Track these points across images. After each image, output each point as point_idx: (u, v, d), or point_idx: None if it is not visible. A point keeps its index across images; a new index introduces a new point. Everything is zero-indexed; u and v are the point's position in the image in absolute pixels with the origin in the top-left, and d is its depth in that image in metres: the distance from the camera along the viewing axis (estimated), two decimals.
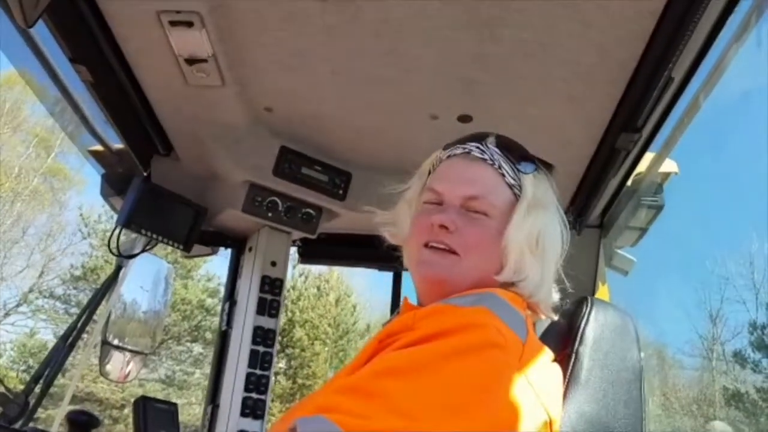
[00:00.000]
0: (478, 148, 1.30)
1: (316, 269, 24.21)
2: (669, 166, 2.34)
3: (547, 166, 1.36)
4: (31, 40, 1.87)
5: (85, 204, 24.40)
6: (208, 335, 22.86)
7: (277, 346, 2.43)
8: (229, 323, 2.42)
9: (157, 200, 2.24)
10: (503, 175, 1.28)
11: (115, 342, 2.34)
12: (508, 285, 1.23)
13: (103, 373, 2.43)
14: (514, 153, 1.31)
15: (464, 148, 1.31)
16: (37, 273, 24.24)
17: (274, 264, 2.46)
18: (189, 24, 1.68)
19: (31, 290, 24.01)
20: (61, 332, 2.18)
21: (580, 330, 1.23)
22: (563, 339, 1.25)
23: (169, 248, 2.37)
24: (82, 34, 1.74)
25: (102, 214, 23.19)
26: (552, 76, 1.79)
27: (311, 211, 2.41)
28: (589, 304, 1.26)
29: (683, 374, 25.12)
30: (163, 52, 1.79)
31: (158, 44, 1.76)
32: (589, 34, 1.61)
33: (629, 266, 2.64)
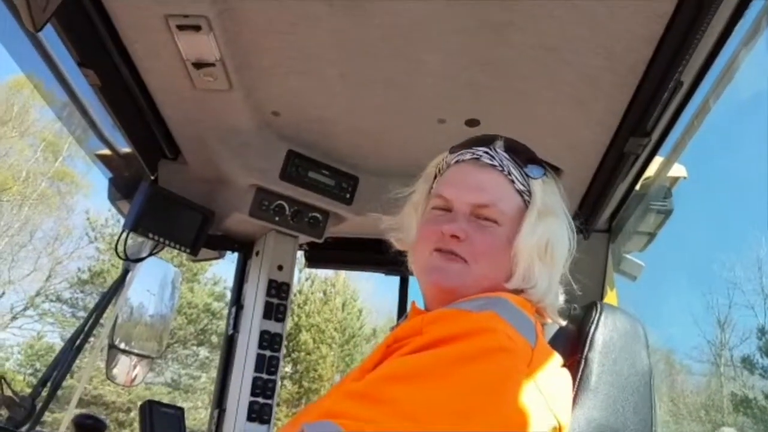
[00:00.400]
0: (487, 153, 1.28)
1: (322, 273, 24.25)
2: (678, 170, 2.32)
3: (555, 170, 1.35)
4: (39, 45, 1.87)
5: (92, 208, 24.53)
6: (214, 339, 22.88)
7: (283, 351, 2.42)
8: (235, 327, 2.42)
9: (164, 204, 2.24)
10: (513, 182, 1.26)
11: (122, 346, 2.35)
12: (517, 291, 1.22)
13: (109, 377, 2.44)
14: (523, 157, 1.29)
15: (473, 154, 1.29)
16: (44, 276, 24.36)
17: (280, 268, 2.45)
18: (197, 28, 1.68)
19: (38, 294, 24.12)
20: (68, 335, 2.18)
21: (590, 335, 1.21)
22: (573, 344, 1.24)
23: (175, 251, 2.37)
24: (90, 38, 1.75)
25: (109, 218, 23.30)
26: (560, 79, 1.78)
27: (318, 215, 2.41)
28: (599, 310, 1.25)
29: (691, 380, 25.01)
30: (171, 56, 1.79)
31: (166, 48, 1.76)
32: (598, 38, 1.60)
33: (638, 271, 2.62)
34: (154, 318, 2.52)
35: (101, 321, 2.29)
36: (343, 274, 24.59)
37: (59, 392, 2.09)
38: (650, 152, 2.01)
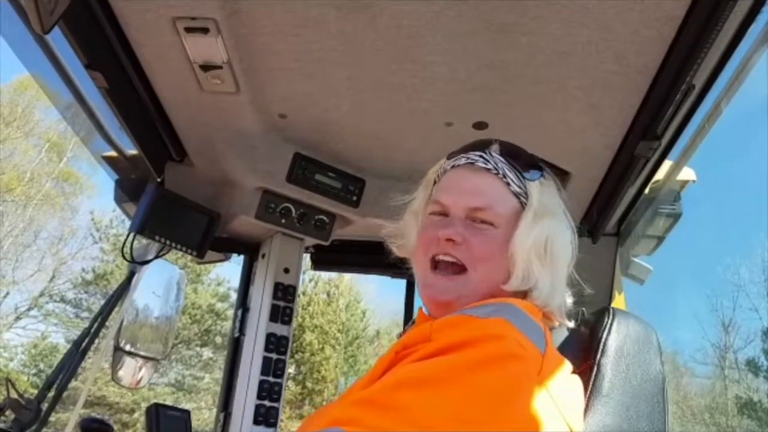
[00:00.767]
0: (481, 157, 1.28)
1: (326, 275, 24.23)
2: (687, 174, 2.31)
3: (563, 174, 1.34)
4: (46, 47, 1.87)
5: (97, 209, 24.56)
6: (218, 340, 22.91)
7: (289, 353, 2.42)
8: (241, 330, 2.42)
9: (171, 206, 2.24)
10: (508, 184, 1.26)
11: (128, 348, 2.34)
12: (520, 294, 1.22)
13: (115, 379, 2.43)
14: (519, 160, 1.29)
15: (468, 159, 1.30)
16: (49, 277, 24.40)
17: (287, 271, 2.45)
18: (204, 30, 1.68)
19: (42, 294, 24.15)
20: (72, 336, 2.19)
21: (602, 341, 1.20)
22: (584, 350, 1.22)
23: (180, 252, 2.37)
24: (97, 41, 1.74)
25: (113, 218, 23.33)
26: (569, 83, 1.77)
27: (324, 218, 2.41)
28: (611, 315, 1.24)
29: (695, 382, 24.96)
30: (179, 58, 1.79)
31: (173, 50, 1.76)
32: (608, 41, 1.59)
33: (645, 274, 2.61)
34: (160, 320, 2.52)
35: (106, 323, 2.28)
36: (346, 275, 24.61)
37: (64, 393, 2.09)
38: (660, 156, 2.00)
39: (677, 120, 1.81)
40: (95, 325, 2.18)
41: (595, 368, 1.18)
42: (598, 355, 1.19)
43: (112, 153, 2.47)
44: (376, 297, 27.27)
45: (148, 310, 2.48)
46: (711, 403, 23.88)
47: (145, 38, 1.75)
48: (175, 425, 1.97)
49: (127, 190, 2.54)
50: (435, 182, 1.37)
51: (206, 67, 1.82)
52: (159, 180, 2.33)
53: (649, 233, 2.46)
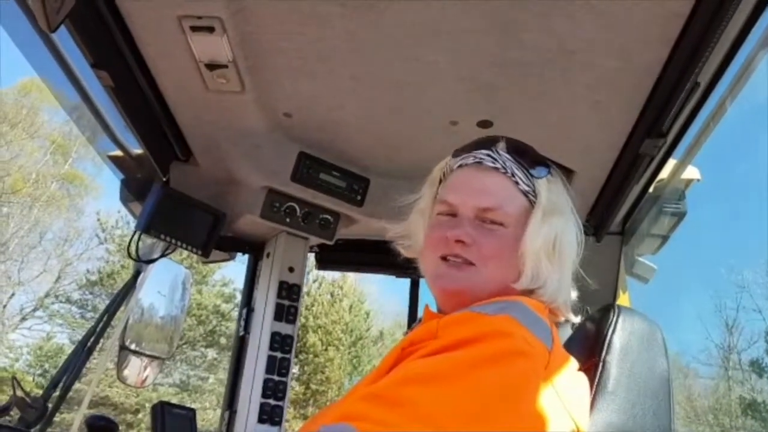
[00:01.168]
0: (489, 156, 1.27)
1: (329, 276, 24.26)
2: (691, 172, 2.31)
3: (568, 172, 1.34)
4: (52, 46, 1.88)
5: (102, 210, 24.62)
6: (223, 340, 22.93)
7: (294, 352, 2.42)
8: (246, 329, 2.42)
9: (176, 206, 2.24)
10: (517, 183, 1.25)
11: (133, 347, 2.35)
12: (527, 292, 1.21)
13: (120, 378, 2.44)
14: (526, 157, 1.29)
15: (475, 157, 1.29)
16: (54, 278, 24.47)
17: (291, 270, 2.45)
18: (210, 29, 1.68)
19: (47, 295, 24.23)
20: (77, 337, 2.20)
21: (607, 338, 1.20)
22: (589, 347, 1.22)
23: (185, 253, 2.37)
24: (103, 40, 1.75)
25: (119, 219, 23.38)
26: (574, 80, 1.77)
27: (329, 217, 2.41)
28: (616, 312, 1.24)
29: (699, 383, 24.89)
30: (184, 57, 1.79)
31: (179, 49, 1.76)
32: (613, 39, 1.59)
33: (650, 274, 2.61)
34: (165, 319, 2.53)
35: (112, 323, 2.29)
36: (350, 276, 24.62)
37: (69, 393, 2.10)
38: (664, 154, 2.00)
39: (682, 118, 1.80)
40: (101, 324, 2.19)
41: (601, 365, 1.18)
42: (604, 352, 1.19)
43: (118, 152, 2.48)
44: (378, 298, 27.31)
45: (153, 309, 2.48)
46: (715, 404, 23.82)
47: (150, 37, 1.76)
48: (181, 424, 1.97)
49: (132, 190, 2.55)
50: (441, 180, 1.36)
51: (211, 66, 1.82)
52: (164, 179, 2.33)
53: (654, 232, 2.45)
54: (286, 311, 2.39)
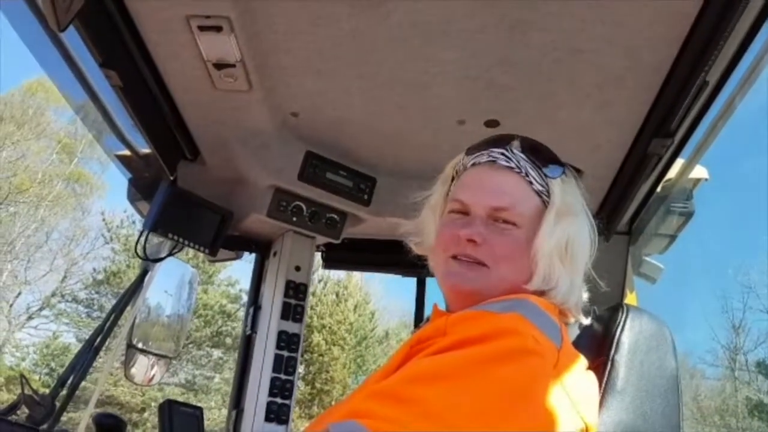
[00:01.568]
0: (503, 155, 1.27)
1: (335, 276, 24.28)
2: (699, 172, 2.30)
3: (576, 172, 1.34)
4: (61, 45, 1.88)
5: (107, 209, 24.69)
6: (228, 341, 22.97)
7: (301, 351, 2.42)
8: (253, 328, 2.42)
9: (184, 205, 2.25)
10: (530, 183, 1.25)
11: (140, 345, 2.35)
12: (539, 293, 1.21)
13: (128, 377, 2.45)
14: (541, 157, 1.28)
15: (489, 155, 1.28)
16: (60, 277, 24.57)
17: (298, 269, 2.45)
18: (218, 29, 1.68)
19: (53, 294, 24.31)
20: (84, 336, 2.20)
21: (616, 337, 1.20)
22: (598, 346, 1.22)
23: (191, 253, 2.38)
24: (112, 39, 1.75)
25: (124, 219, 23.44)
26: (582, 79, 1.77)
27: (336, 216, 2.41)
28: (625, 311, 1.24)
29: (705, 384, 24.83)
30: (192, 56, 1.80)
31: (187, 49, 1.77)
32: (621, 37, 1.59)
33: (657, 273, 2.60)
34: (172, 318, 2.53)
35: (119, 322, 2.30)
36: (355, 276, 24.63)
37: (76, 392, 2.10)
38: (672, 153, 1.99)
39: (690, 117, 1.80)
40: (108, 323, 2.19)
41: (609, 364, 1.18)
42: (612, 351, 1.19)
43: (126, 152, 2.48)
44: (384, 298, 27.32)
45: (160, 308, 2.49)
46: (721, 404, 23.76)
47: (158, 36, 1.76)
48: (188, 422, 1.98)
49: (140, 189, 2.56)
50: (453, 178, 1.35)
51: (219, 66, 1.83)
52: (172, 178, 2.34)
53: (661, 232, 2.44)
54: (293, 310, 2.40)
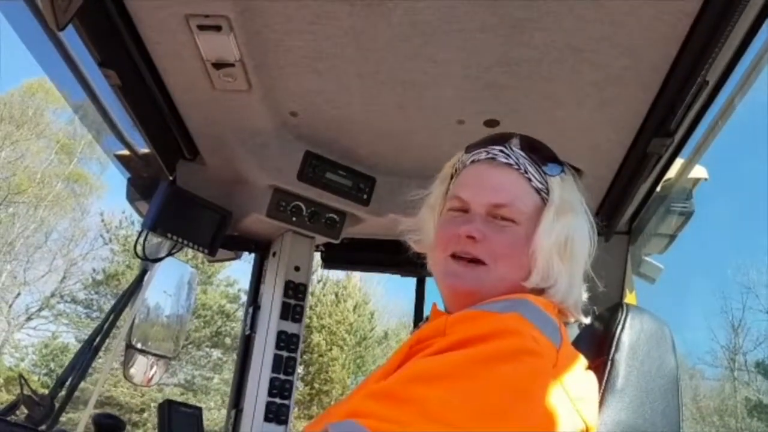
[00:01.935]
0: (502, 152, 1.26)
1: (334, 276, 24.28)
2: (698, 171, 2.30)
3: (576, 171, 1.33)
4: (60, 45, 1.88)
5: (106, 210, 24.69)
6: (227, 341, 22.96)
7: (300, 351, 2.42)
8: (252, 328, 2.42)
9: (183, 204, 2.24)
10: (530, 180, 1.24)
11: (139, 346, 2.35)
12: (538, 291, 1.20)
13: (127, 377, 2.44)
14: (540, 154, 1.27)
15: (488, 153, 1.28)
16: (59, 278, 24.55)
17: (297, 269, 2.45)
18: (217, 28, 1.68)
19: (53, 295, 24.30)
20: (83, 336, 2.20)
21: (616, 336, 1.20)
22: (598, 345, 1.22)
23: (190, 253, 2.37)
24: (111, 38, 1.75)
25: (123, 219, 23.43)
26: (582, 79, 1.76)
27: (335, 216, 2.41)
28: (625, 311, 1.24)
29: (705, 384, 24.84)
30: (191, 56, 1.80)
31: (186, 48, 1.76)
32: (621, 37, 1.59)
33: (657, 273, 2.60)
34: (171, 318, 2.53)
35: (117, 323, 2.29)
36: (355, 277, 24.63)
37: (74, 394, 2.10)
38: (672, 153, 1.99)
39: (690, 116, 1.80)
40: (108, 323, 2.19)
41: (609, 363, 1.18)
42: (612, 351, 1.19)
43: (125, 151, 2.48)
44: (383, 298, 27.33)
45: (159, 308, 2.49)
46: (720, 405, 23.77)
47: (158, 36, 1.76)
48: (187, 422, 1.97)
49: (139, 189, 2.55)
50: (453, 176, 1.35)
51: (218, 65, 1.83)
52: (171, 178, 2.34)
53: (661, 231, 2.44)
54: (292, 310, 2.40)
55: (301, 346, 2.44)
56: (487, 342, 1.01)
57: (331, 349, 23.08)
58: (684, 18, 1.47)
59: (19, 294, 24.13)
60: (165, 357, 2.46)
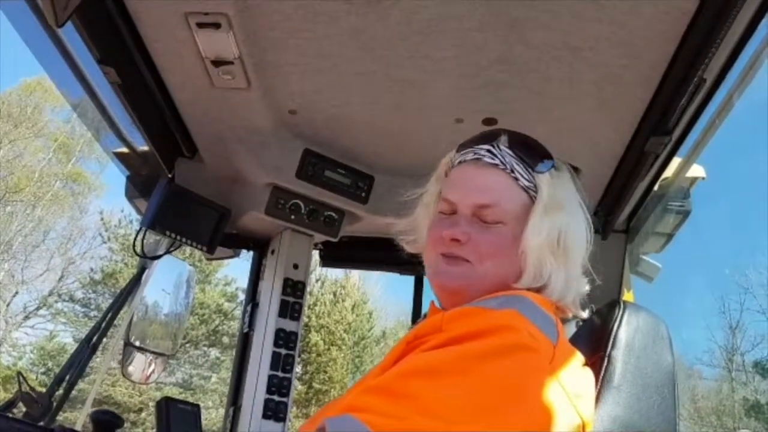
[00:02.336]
0: (489, 152, 1.25)
1: (332, 276, 24.29)
2: (696, 171, 2.31)
3: (574, 170, 1.33)
4: (59, 42, 1.88)
5: (105, 209, 24.66)
6: (225, 340, 22.95)
7: (298, 349, 2.43)
8: (251, 325, 2.43)
9: (182, 202, 2.25)
10: (516, 179, 1.23)
11: (137, 344, 2.35)
12: (533, 290, 1.20)
13: (125, 374, 2.45)
14: (528, 152, 1.26)
15: (475, 154, 1.27)
16: (57, 276, 24.51)
17: (296, 267, 2.46)
18: (216, 26, 1.68)
19: (50, 293, 24.27)
20: (81, 335, 2.20)
21: (613, 333, 1.20)
22: (595, 342, 1.23)
23: (188, 251, 2.38)
24: (110, 36, 1.75)
25: (122, 218, 23.42)
26: (579, 78, 1.77)
27: (333, 214, 2.41)
28: (622, 308, 1.24)
29: (702, 384, 24.86)
30: (190, 53, 1.80)
31: (185, 46, 1.77)
32: (619, 35, 1.59)
33: (654, 273, 2.60)
34: (169, 317, 2.53)
35: (115, 322, 2.30)
36: (353, 276, 24.64)
37: (72, 392, 2.10)
38: (670, 152, 2.00)
39: (688, 115, 1.80)
40: (106, 320, 2.19)
41: (606, 360, 1.18)
42: (609, 347, 1.19)
43: (124, 149, 2.49)
44: (381, 298, 27.33)
45: (157, 306, 2.49)
46: (718, 405, 23.79)
47: (157, 33, 1.76)
48: (185, 419, 1.97)
49: (138, 186, 2.56)
50: (446, 174, 1.35)
51: (218, 63, 1.83)
52: (170, 176, 2.34)
53: (659, 230, 2.45)
54: (291, 308, 2.40)
55: (300, 343, 2.44)
56: (484, 338, 1.02)
57: (329, 349, 23.08)
58: (681, 16, 1.48)
59: (17, 293, 24.11)
60: (163, 355, 2.46)
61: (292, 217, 2.35)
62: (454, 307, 1.15)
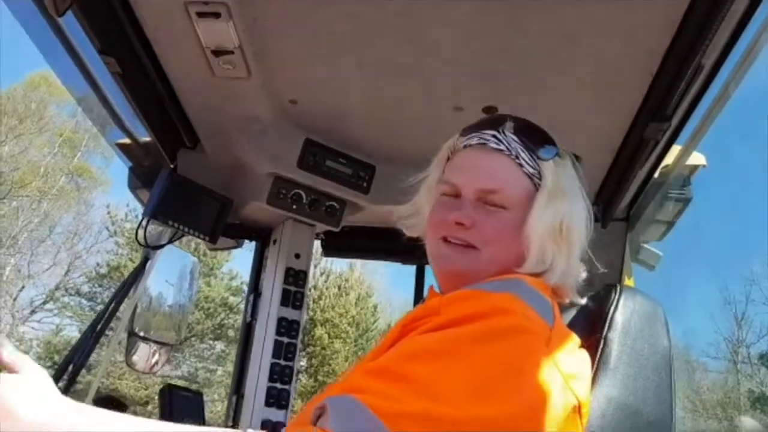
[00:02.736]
0: (494, 137, 1.26)
1: (337, 269, 24.31)
2: (697, 158, 2.31)
3: (576, 159, 1.34)
4: (61, 33, 1.89)
5: (112, 203, 24.70)
6: (231, 333, 23.01)
7: (300, 338, 2.44)
8: (253, 315, 2.44)
9: (184, 192, 2.26)
10: (521, 165, 1.24)
11: (141, 334, 2.37)
12: (534, 275, 1.21)
13: (129, 364, 2.46)
14: (533, 138, 1.27)
15: (480, 138, 1.27)
16: (63, 271, 24.60)
17: (298, 256, 2.47)
18: (216, 15, 1.69)
19: (57, 288, 24.36)
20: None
21: (609, 316, 1.21)
22: (592, 325, 1.23)
23: (193, 244, 2.39)
24: (111, 26, 1.76)
25: (128, 212, 23.47)
26: (578, 65, 1.77)
27: (335, 204, 2.42)
28: (618, 291, 1.25)
29: (707, 377, 24.82)
30: (191, 43, 1.80)
31: (186, 35, 1.77)
32: (617, 23, 1.59)
33: (655, 261, 2.61)
34: (173, 308, 2.55)
35: (117, 314, 2.31)
36: (357, 269, 24.67)
37: (77, 386, 2.12)
38: (669, 139, 2.00)
39: (687, 101, 1.80)
40: (110, 309, 2.21)
41: (602, 342, 1.19)
42: (605, 330, 1.20)
43: (126, 140, 2.50)
44: (386, 291, 27.36)
45: (161, 297, 2.50)
46: (724, 397, 23.74)
47: (157, 23, 1.77)
48: (188, 406, 1.99)
49: (140, 177, 2.57)
50: (449, 158, 1.35)
51: (218, 52, 1.83)
52: (172, 166, 2.35)
53: (659, 218, 2.45)
54: (293, 297, 2.42)
55: (302, 332, 2.46)
56: (480, 320, 1.03)
57: (333, 342, 23.12)
58: (678, 3, 1.48)
59: (23, 287, 24.21)
60: (167, 344, 2.48)
61: (294, 206, 2.36)
62: (454, 289, 1.16)
